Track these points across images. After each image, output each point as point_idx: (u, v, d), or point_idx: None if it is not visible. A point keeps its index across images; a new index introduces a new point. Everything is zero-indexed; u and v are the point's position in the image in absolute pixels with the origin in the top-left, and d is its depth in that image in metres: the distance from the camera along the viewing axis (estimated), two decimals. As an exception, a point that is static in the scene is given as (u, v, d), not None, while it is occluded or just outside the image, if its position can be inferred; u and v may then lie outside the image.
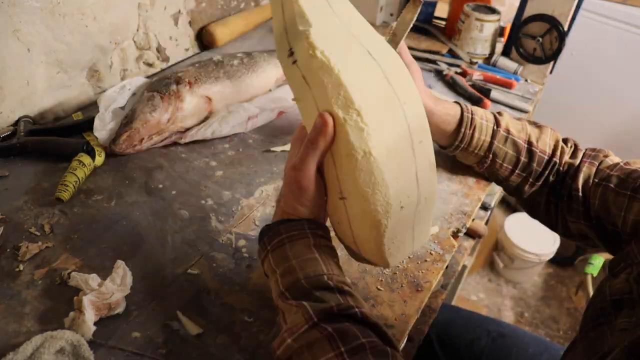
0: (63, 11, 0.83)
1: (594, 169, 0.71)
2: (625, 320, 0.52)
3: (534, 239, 1.97)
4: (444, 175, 0.84)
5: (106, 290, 0.56)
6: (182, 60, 1.14)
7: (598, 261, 1.91)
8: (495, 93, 1.08)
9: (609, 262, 0.63)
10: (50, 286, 0.60)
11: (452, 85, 1.11)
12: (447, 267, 0.71)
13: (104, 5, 0.90)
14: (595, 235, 0.71)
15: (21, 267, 0.62)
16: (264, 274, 0.55)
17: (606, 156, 0.73)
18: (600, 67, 1.88)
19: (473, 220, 0.85)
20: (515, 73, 1.17)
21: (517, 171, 0.75)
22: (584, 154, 0.74)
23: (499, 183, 0.80)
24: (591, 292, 1.85)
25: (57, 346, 0.50)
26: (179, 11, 1.09)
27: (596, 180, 0.69)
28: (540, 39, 1.12)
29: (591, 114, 1.97)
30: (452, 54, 1.23)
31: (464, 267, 1.51)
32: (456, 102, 0.77)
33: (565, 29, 1.08)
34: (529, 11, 1.11)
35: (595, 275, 1.87)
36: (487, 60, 1.23)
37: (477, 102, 1.05)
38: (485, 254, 2.10)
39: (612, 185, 0.67)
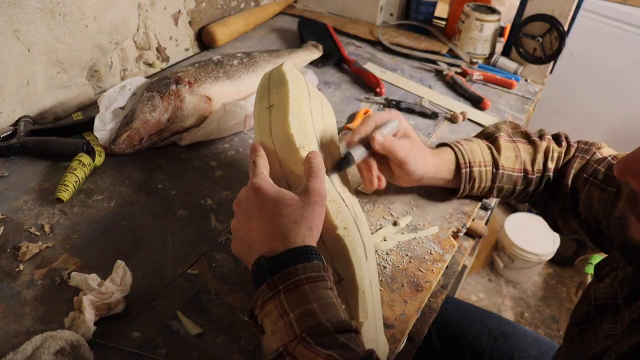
0: (63, 11, 0.83)
1: (584, 163, 0.70)
2: (610, 326, 0.52)
3: (534, 239, 1.97)
4: (444, 175, 0.84)
5: (106, 290, 0.56)
6: (182, 60, 1.14)
7: (598, 261, 1.90)
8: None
9: (595, 266, 0.62)
10: (50, 286, 0.60)
11: (452, 85, 1.11)
12: (447, 267, 0.70)
13: (104, 5, 0.90)
14: (584, 232, 0.71)
15: (21, 267, 0.62)
16: (250, 313, 0.51)
17: (599, 148, 0.72)
18: (600, 67, 1.88)
19: (473, 220, 0.84)
20: (515, 73, 1.17)
21: (514, 196, 0.76)
22: (576, 148, 0.73)
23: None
24: (591, 292, 1.86)
25: (57, 346, 0.50)
26: (179, 11, 1.09)
27: (585, 176, 0.69)
28: (540, 39, 1.12)
29: (591, 114, 1.97)
30: (452, 54, 1.23)
31: (464, 267, 1.51)
32: (450, 147, 0.74)
33: (565, 29, 1.08)
34: (529, 11, 1.11)
35: (595, 275, 1.87)
36: (487, 60, 1.23)
37: (477, 102, 1.05)
38: (485, 254, 2.10)
39: (597, 182, 0.66)
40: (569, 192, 0.70)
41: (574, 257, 2.12)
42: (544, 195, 0.76)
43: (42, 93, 0.87)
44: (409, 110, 1.00)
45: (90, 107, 0.94)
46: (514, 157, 0.74)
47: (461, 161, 0.72)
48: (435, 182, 0.74)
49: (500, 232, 2.05)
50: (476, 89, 1.10)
